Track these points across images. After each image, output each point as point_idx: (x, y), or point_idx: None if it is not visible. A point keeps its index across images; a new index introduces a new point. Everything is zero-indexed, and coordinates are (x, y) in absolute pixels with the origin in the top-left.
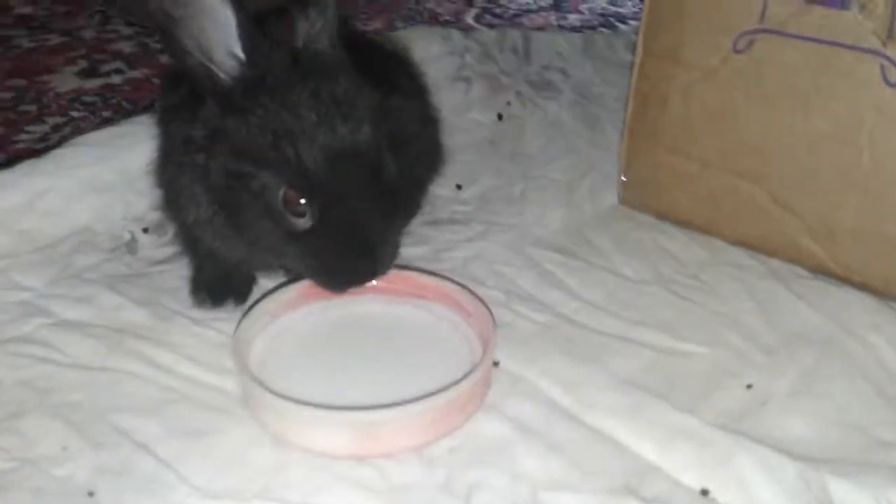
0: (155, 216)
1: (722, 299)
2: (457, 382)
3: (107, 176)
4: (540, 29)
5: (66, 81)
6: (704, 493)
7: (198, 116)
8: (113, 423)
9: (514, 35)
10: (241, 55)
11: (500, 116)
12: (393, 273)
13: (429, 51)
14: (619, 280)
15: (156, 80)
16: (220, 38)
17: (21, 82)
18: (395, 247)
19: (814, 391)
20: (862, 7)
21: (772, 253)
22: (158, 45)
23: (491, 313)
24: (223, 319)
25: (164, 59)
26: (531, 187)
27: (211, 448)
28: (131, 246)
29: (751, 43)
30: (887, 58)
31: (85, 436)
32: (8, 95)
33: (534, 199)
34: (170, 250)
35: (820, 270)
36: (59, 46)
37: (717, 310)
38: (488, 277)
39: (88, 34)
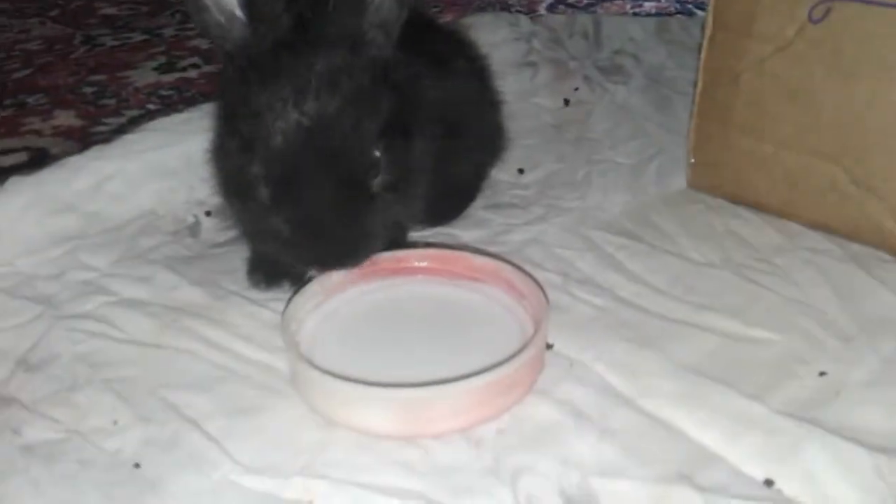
0: (217, 200)
1: (796, 284)
2: (508, 361)
3: (171, 161)
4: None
5: (144, 76)
6: (769, 483)
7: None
8: (163, 398)
9: (585, 20)
10: (244, 17)
11: (566, 102)
12: (446, 253)
13: (495, 36)
14: (684, 264)
15: None
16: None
17: (102, 77)
18: (359, 242)
19: (894, 380)
20: None
21: (852, 236)
22: None
23: (545, 295)
24: (279, 300)
25: None
26: (595, 171)
27: (258, 425)
28: (194, 229)
29: (828, 11)
30: None
31: (135, 410)
32: (90, 90)
33: (597, 183)
34: (231, 233)
35: None
36: (141, 44)
37: (791, 295)
38: (546, 260)
39: (168, 32)
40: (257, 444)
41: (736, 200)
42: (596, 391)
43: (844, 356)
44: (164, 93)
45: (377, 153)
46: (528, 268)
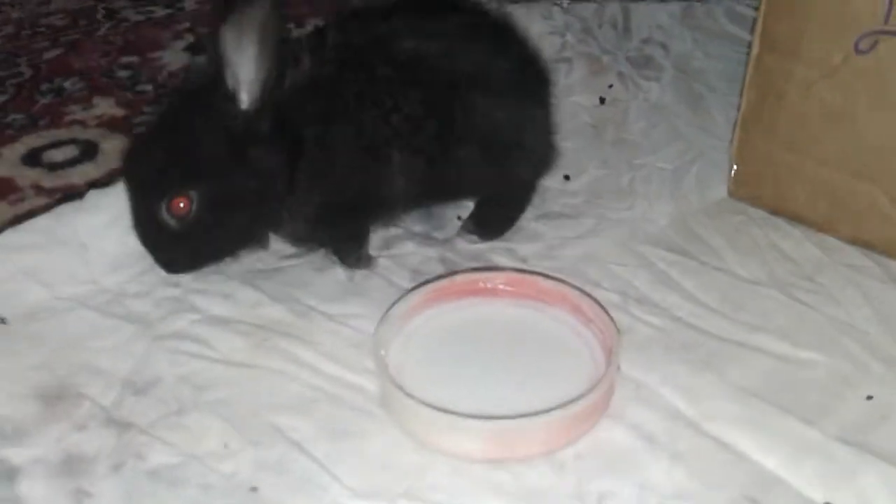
0: None
1: (838, 304)
2: (586, 394)
3: None
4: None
5: (175, 58)
6: None
7: None
8: (267, 420)
9: (614, 8)
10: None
11: (602, 100)
12: (516, 276)
13: (530, 31)
14: (733, 281)
15: None
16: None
17: (134, 59)
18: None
19: None
20: None
21: (889, 254)
22: None
23: (612, 320)
24: (356, 316)
25: None
26: (638, 177)
27: (357, 449)
28: (262, 241)
29: (875, 44)
30: None
31: (243, 433)
32: (124, 74)
33: (641, 190)
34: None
35: None
36: (164, 19)
37: (834, 315)
38: (603, 278)
39: (188, 4)
40: (360, 468)
41: (775, 212)
42: (663, 415)
43: (888, 379)
44: None
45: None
46: (587, 287)
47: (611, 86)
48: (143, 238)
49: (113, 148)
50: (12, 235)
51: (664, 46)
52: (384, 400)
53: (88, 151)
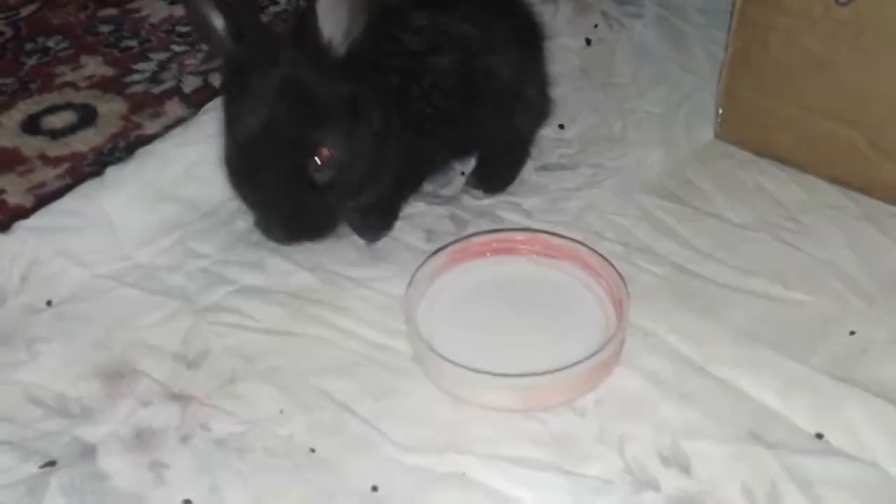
0: None
1: (822, 244)
2: (605, 345)
3: None
4: None
5: (155, 8)
6: (819, 436)
7: None
8: (314, 384)
9: None
10: (225, 35)
11: (588, 41)
12: (528, 235)
13: None
14: (724, 226)
15: None
16: (216, 18)
17: (114, 13)
18: (316, 222)
19: None
20: None
21: (867, 191)
22: None
23: (620, 274)
24: (380, 279)
25: None
26: (629, 123)
27: (399, 406)
28: None
29: None
30: None
31: (294, 398)
32: (106, 30)
33: (633, 137)
34: None
35: None
36: None
37: (818, 256)
38: (606, 229)
39: None
40: (403, 424)
41: (761, 154)
42: (671, 360)
43: (868, 315)
44: (182, 29)
45: (323, 151)
46: (592, 238)
47: (596, 26)
48: (291, 205)
49: (111, 111)
50: (43, 217)
51: None
52: (418, 359)
53: (87, 116)
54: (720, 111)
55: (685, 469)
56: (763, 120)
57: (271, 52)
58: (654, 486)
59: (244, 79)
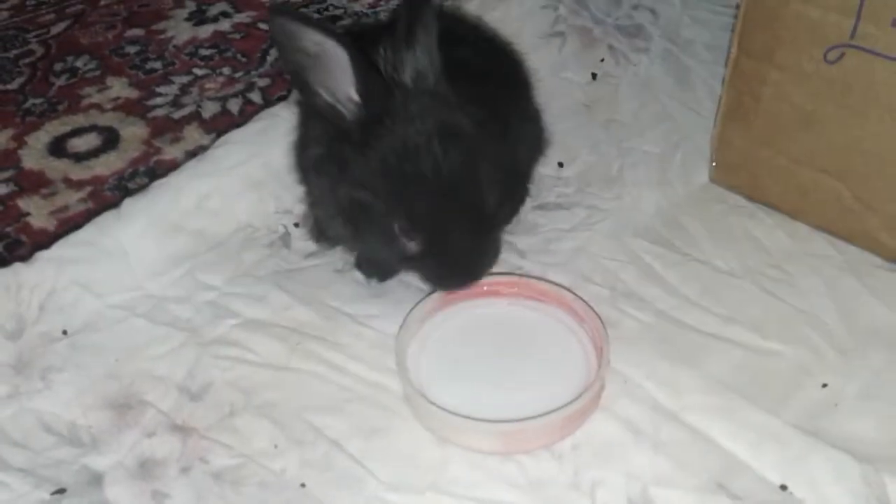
0: (302, 209)
1: (803, 294)
2: (583, 394)
3: (256, 173)
4: None
5: (180, 30)
6: (783, 488)
7: (326, 143)
8: (308, 421)
9: None
10: (357, 98)
11: (594, 76)
12: (517, 279)
13: (522, 6)
14: (711, 273)
15: (261, 26)
16: (342, 83)
17: (140, 33)
18: (494, 254)
19: (881, 394)
20: None
21: (851, 241)
22: None
23: (602, 321)
24: (376, 317)
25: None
26: (627, 163)
27: (386, 445)
28: (285, 239)
29: (841, 55)
30: None
31: (288, 433)
32: (133, 50)
33: (630, 177)
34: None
35: (894, 260)
36: None
37: (799, 306)
38: (594, 272)
39: None
40: (390, 463)
41: (753, 200)
42: (647, 407)
43: (842, 368)
44: (204, 52)
45: (493, 185)
46: (580, 281)
47: (602, 60)
48: (488, 241)
49: (132, 135)
50: (62, 248)
51: (653, 12)
52: (407, 400)
53: (110, 140)
54: (714, 157)
55: None
56: (754, 168)
57: (407, 103)
58: None
59: (386, 133)
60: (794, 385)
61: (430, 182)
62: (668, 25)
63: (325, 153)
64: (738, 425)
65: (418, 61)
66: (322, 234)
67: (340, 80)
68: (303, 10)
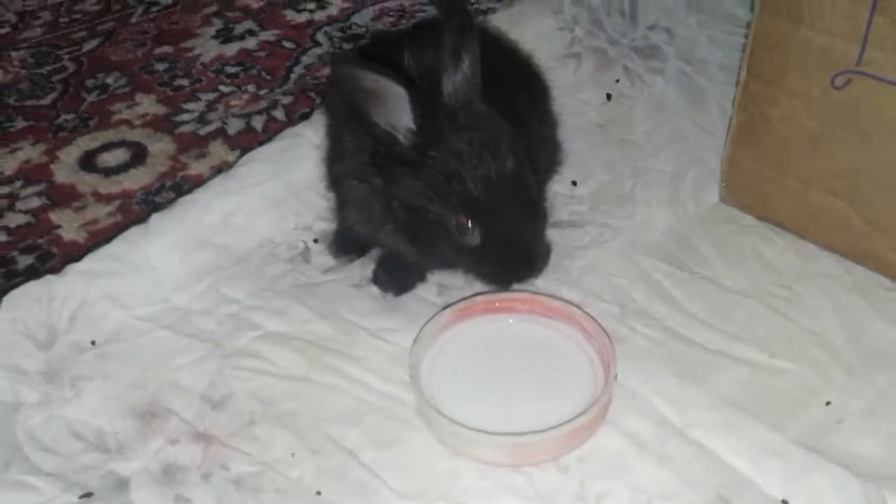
0: (321, 226)
1: (810, 314)
2: (590, 408)
3: (279, 191)
4: None
5: (207, 48)
6: (785, 503)
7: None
8: (324, 431)
9: None
10: (414, 127)
11: (608, 96)
12: (528, 296)
13: (540, 28)
14: (719, 291)
15: (286, 44)
16: (399, 114)
17: (169, 50)
18: (548, 249)
19: (885, 413)
20: None
21: (859, 262)
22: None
23: (609, 338)
24: (392, 331)
25: (290, 16)
26: (640, 183)
27: (400, 455)
28: (305, 255)
29: (848, 81)
30: None
31: (305, 442)
32: (161, 68)
33: (642, 197)
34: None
35: None
36: (192, 3)
37: (806, 325)
38: (605, 290)
39: None
40: (403, 473)
41: (763, 220)
42: (653, 422)
43: (847, 387)
44: (230, 70)
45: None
46: (590, 299)
47: (617, 80)
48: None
49: (160, 150)
50: (92, 262)
51: (669, 32)
52: (420, 412)
53: (139, 155)
54: (724, 177)
55: None
56: (764, 188)
57: (455, 121)
58: None
59: (441, 152)
60: (798, 403)
61: (482, 181)
62: (683, 45)
63: (368, 164)
64: (742, 441)
65: (462, 82)
66: (342, 249)
67: (398, 112)
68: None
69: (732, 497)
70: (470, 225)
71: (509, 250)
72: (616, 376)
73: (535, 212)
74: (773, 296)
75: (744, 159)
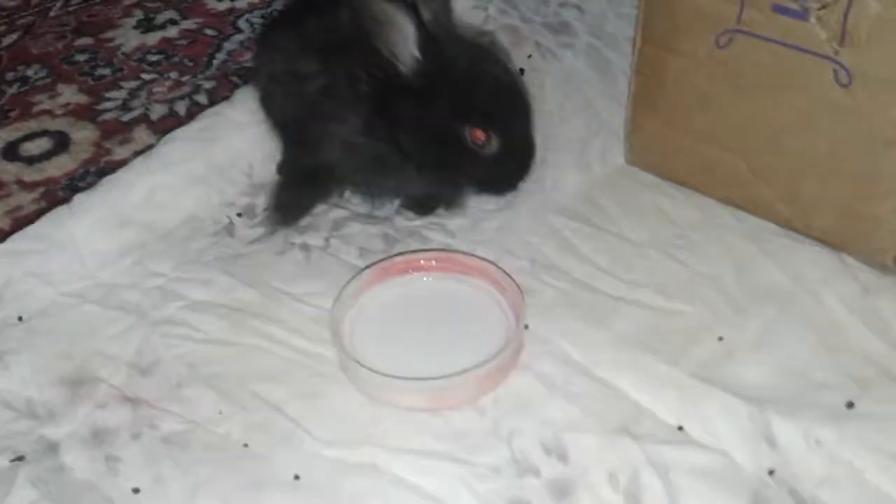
0: (245, 201)
1: (706, 260)
2: (500, 352)
3: (201, 168)
4: None
5: (128, 38)
6: (680, 429)
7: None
8: (250, 389)
9: None
10: (419, 55)
11: (521, 71)
12: (443, 254)
13: (457, 6)
14: (623, 244)
15: (208, 31)
16: (404, 43)
17: (90, 42)
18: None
19: (770, 343)
20: (819, 19)
21: (752, 212)
22: None
23: (519, 288)
24: (314, 294)
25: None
26: (550, 149)
27: (324, 407)
28: (230, 228)
29: (730, 40)
30: (838, 63)
31: (232, 400)
32: (82, 59)
33: (552, 161)
34: (260, 230)
35: (789, 227)
36: None
37: (701, 270)
38: (517, 247)
39: None
40: (327, 423)
41: (665, 178)
42: (562, 363)
43: (737, 323)
44: (152, 58)
45: None
46: (504, 255)
47: (530, 56)
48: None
49: (83, 138)
50: (16, 242)
51: (579, 9)
52: (343, 367)
53: (62, 143)
54: (628, 139)
55: (563, 458)
56: (663, 147)
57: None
58: (535, 473)
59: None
60: (693, 339)
61: (492, 92)
62: (593, 21)
63: (352, 101)
64: (642, 377)
65: (440, 8)
66: (287, 215)
67: (403, 41)
68: (247, 15)
69: (632, 426)
70: (487, 135)
71: (525, 151)
72: (527, 326)
73: (531, 113)
74: (672, 245)
75: (644, 121)
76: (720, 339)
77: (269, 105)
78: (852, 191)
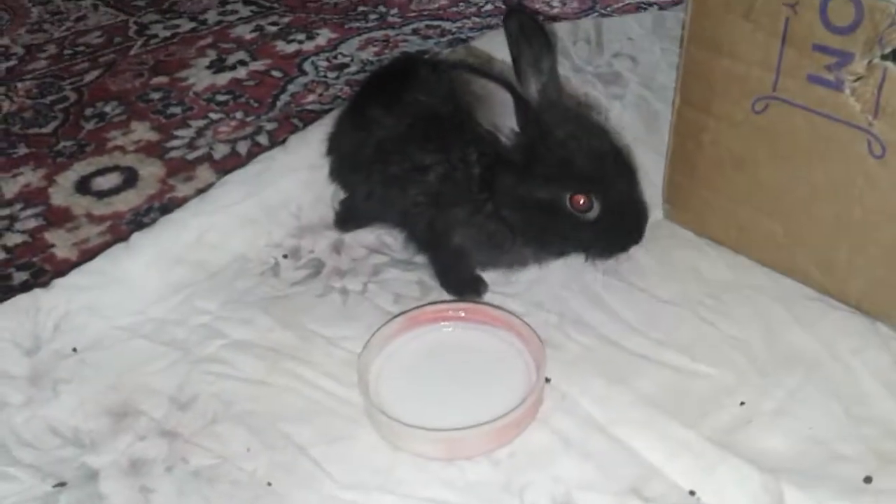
0: (291, 243)
1: (735, 322)
2: (518, 406)
3: (252, 210)
4: None
5: (200, 77)
6: (692, 493)
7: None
8: (279, 429)
9: (587, 24)
10: (517, 128)
11: None
12: (471, 306)
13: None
14: (651, 301)
15: (274, 73)
16: (503, 117)
17: (164, 80)
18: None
19: (792, 411)
20: (853, 91)
21: (787, 274)
22: (273, 29)
23: (541, 341)
24: (347, 338)
25: (280, 46)
26: None
27: (346, 450)
28: (275, 269)
29: (766, 106)
30: (872, 135)
31: (261, 439)
32: (156, 97)
33: None
34: (303, 272)
35: (823, 292)
36: (189, 35)
37: (729, 332)
38: (549, 300)
39: (211, 18)
40: (348, 466)
41: (701, 235)
42: (580, 420)
43: (760, 388)
44: (220, 98)
45: None
46: (533, 308)
47: None
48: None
49: (150, 174)
50: (76, 276)
51: (633, 59)
52: (366, 411)
53: (130, 179)
54: (665, 195)
55: None
56: (700, 206)
57: (549, 117)
58: None
59: (545, 145)
60: (714, 403)
61: (592, 158)
62: (644, 72)
63: (474, 182)
64: (657, 438)
65: (548, 82)
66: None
67: (502, 115)
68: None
69: (644, 488)
70: (585, 201)
71: (632, 211)
72: (549, 379)
73: (636, 178)
74: (702, 305)
75: (681, 179)
76: (742, 403)
77: (385, 203)
78: (886, 260)
